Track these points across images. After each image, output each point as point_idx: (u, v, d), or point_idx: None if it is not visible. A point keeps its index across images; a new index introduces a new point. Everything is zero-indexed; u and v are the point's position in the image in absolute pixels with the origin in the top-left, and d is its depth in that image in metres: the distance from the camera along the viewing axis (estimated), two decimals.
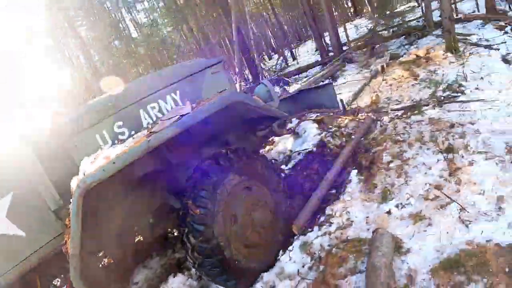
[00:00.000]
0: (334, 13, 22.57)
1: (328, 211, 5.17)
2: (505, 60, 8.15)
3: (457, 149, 5.49)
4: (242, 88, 14.22)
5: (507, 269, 3.53)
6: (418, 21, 13.88)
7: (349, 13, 30.60)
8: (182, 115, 3.98)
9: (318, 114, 7.87)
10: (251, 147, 5.66)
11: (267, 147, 7.68)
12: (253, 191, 4.57)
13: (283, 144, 7.45)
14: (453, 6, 13.34)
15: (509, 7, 12.65)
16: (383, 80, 9.44)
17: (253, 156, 4.84)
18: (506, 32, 9.87)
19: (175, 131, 3.62)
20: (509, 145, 5.25)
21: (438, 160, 5.45)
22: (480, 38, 9.66)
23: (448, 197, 4.70)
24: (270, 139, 7.46)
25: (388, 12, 14.36)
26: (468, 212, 4.37)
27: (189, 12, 22.80)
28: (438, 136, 5.92)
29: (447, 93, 7.33)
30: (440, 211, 4.56)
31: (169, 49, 27.05)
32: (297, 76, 15.30)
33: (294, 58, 21.67)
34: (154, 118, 4.53)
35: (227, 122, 4.77)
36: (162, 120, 4.13)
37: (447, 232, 4.18)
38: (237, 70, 17.26)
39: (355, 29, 18.14)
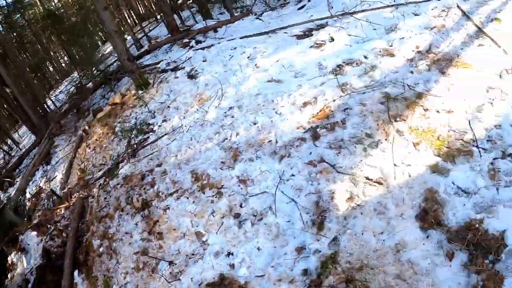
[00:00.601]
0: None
1: None
2: (190, 76, 8.25)
3: (151, 201, 5.31)
4: None
5: None
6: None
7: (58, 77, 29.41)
8: None
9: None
10: None
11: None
12: None
13: (20, 265, 6.68)
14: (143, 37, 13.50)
15: (195, 20, 13.33)
16: (86, 146, 8.52)
17: None
18: (191, 47, 10.12)
19: None
20: (194, 172, 5.26)
21: (137, 223, 5.23)
22: (168, 62, 9.73)
23: (154, 258, 4.68)
24: None
25: (94, 61, 13.77)
26: (175, 263, 4.42)
27: None
28: (133, 195, 5.63)
29: (140, 137, 6.89)
30: (152, 276, 4.55)
31: None
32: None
33: (17, 145, 19.47)
34: None
35: None
36: None
37: None
38: None
39: (65, 92, 17.04)
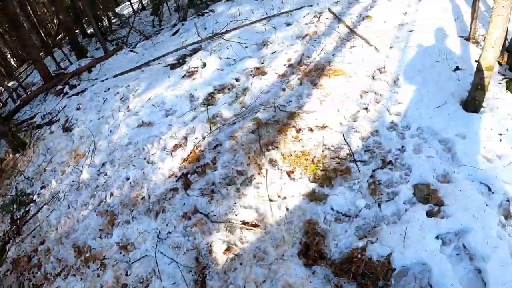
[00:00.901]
0: None
1: None
2: (65, 129, 7.95)
3: (41, 285, 5.04)
4: None
5: None
6: None
7: None
8: None
9: None
10: None
11: None
12: None
13: None
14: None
15: (69, 61, 12.74)
16: None
17: None
18: (65, 94, 9.72)
19: None
20: (76, 246, 5.08)
21: None
22: (43, 115, 9.25)
23: None
24: None
25: None
26: None
27: None
28: (23, 281, 5.35)
29: (22, 211, 6.54)
30: None
31: None
32: None
33: None
34: None
35: None
36: None
37: None
38: None
39: None
